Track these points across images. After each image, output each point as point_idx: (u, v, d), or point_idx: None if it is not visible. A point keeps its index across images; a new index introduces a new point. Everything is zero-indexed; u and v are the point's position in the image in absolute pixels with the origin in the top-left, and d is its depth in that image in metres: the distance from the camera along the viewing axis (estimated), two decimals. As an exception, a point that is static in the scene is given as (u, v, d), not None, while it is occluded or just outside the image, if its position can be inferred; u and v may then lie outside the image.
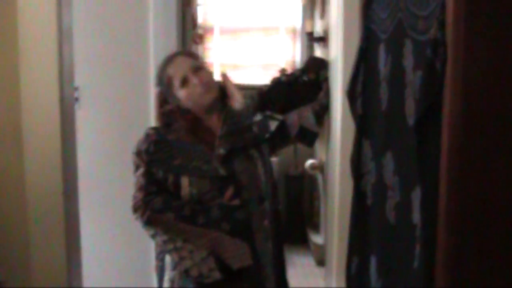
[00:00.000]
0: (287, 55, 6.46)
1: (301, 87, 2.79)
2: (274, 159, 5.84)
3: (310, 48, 5.92)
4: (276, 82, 2.78)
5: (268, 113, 2.55)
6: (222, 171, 2.37)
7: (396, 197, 1.92)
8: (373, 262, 2.22)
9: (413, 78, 1.73)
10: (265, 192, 2.49)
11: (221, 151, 2.39)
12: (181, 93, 2.44)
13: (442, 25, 1.49)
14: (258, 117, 2.53)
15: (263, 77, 6.33)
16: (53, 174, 2.47)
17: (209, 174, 2.37)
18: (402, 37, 1.85)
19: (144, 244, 2.68)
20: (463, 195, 1.49)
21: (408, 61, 1.79)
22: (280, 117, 2.61)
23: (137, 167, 2.43)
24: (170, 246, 2.34)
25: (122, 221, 2.65)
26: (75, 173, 2.66)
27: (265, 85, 2.84)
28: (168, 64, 2.50)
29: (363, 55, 2.33)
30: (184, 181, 2.37)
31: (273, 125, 2.69)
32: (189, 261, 2.33)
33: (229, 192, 2.37)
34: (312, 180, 6.24)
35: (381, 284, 2.12)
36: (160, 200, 2.35)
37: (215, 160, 2.38)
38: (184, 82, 2.43)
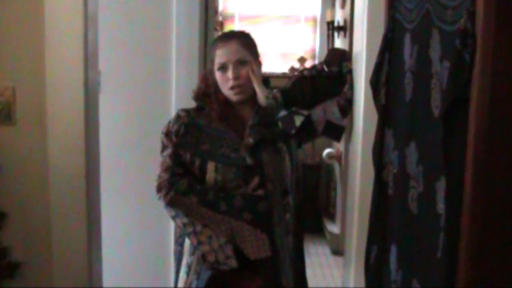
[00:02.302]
0: (307, 44, 6.46)
1: (325, 80, 2.76)
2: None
3: (330, 38, 5.91)
4: (300, 77, 2.75)
5: (293, 109, 2.54)
6: (249, 160, 2.37)
7: (420, 187, 1.93)
8: (393, 251, 2.22)
9: (440, 69, 1.73)
10: (289, 186, 2.49)
11: (250, 140, 2.39)
12: (217, 76, 2.45)
13: (472, 16, 1.49)
14: (282, 113, 2.51)
15: (282, 66, 6.32)
16: (75, 158, 2.49)
17: (235, 162, 2.37)
18: (429, 28, 1.85)
19: (164, 229, 2.70)
20: (488, 186, 1.49)
21: (435, 52, 1.79)
22: (305, 112, 2.59)
23: (164, 147, 2.45)
24: (190, 229, 2.36)
25: (141, 205, 2.68)
26: (97, 157, 2.68)
27: (288, 80, 2.80)
28: (219, 43, 2.49)
29: (388, 44, 2.32)
30: (211, 166, 2.38)
31: (298, 120, 2.66)
32: (207, 246, 2.34)
33: (254, 182, 2.37)
34: (329, 170, 6.24)
35: (401, 273, 2.13)
36: (185, 183, 2.36)
37: (243, 149, 2.38)
38: (223, 67, 2.43)
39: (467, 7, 1.51)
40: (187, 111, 2.48)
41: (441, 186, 1.69)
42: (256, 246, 2.32)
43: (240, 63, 2.42)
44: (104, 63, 3.24)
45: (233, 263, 2.31)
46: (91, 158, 2.59)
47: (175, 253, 2.62)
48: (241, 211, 2.33)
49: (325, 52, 6.09)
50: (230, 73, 2.40)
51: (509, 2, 1.42)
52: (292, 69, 6.29)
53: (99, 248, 2.73)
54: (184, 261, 2.51)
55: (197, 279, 2.40)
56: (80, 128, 2.52)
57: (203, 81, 2.53)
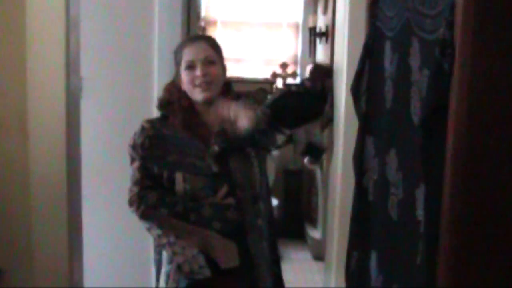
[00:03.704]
0: (289, 50, 6.48)
1: (308, 97, 2.77)
2: (273, 154, 5.86)
3: (312, 44, 5.93)
4: (286, 92, 2.75)
5: (277, 126, 2.55)
6: (215, 168, 2.37)
7: (399, 194, 1.95)
8: (373, 257, 2.24)
9: (420, 77, 1.75)
10: (259, 192, 2.50)
11: (215, 148, 2.39)
12: (183, 75, 2.44)
13: (451, 25, 1.51)
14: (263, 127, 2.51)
15: (264, 71, 6.34)
16: (57, 162, 2.49)
17: (203, 171, 2.37)
18: (409, 36, 1.87)
19: (145, 237, 2.70)
20: (467, 194, 1.51)
21: (415, 60, 1.81)
22: (288, 131, 2.60)
23: (132, 160, 2.45)
24: (164, 240, 2.37)
25: (123, 213, 2.67)
26: (79, 163, 2.68)
27: (274, 93, 2.79)
28: (187, 43, 2.50)
29: (368, 52, 2.34)
30: (179, 177, 2.38)
31: (280, 139, 2.68)
32: (181, 257, 2.36)
33: (222, 191, 2.37)
34: (311, 175, 6.26)
35: (381, 279, 2.15)
36: (154, 196, 2.37)
37: (209, 157, 2.38)
38: (190, 66, 2.43)
39: (446, 17, 1.53)
40: (151, 122, 2.47)
41: (421, 193, 1.71)
42: (225, 255, 2.33)
43: (208, 62, 2.42)
44: (86, 68, 3.23)
45: (206, 272, 2.33)
46: (73, 163, 2.59)
47: (154, 261, 2.63)
48: (210, 220, 2.34)
49: (307, 58, 6.12)
50: (198, 71, 2.39)
51: (487, 12, 1.44)
52: (274, 74, 6.31)
53: (80, 253, 2.73)
54: (163, 270, 2.52)
55: (176, 287, 2.41)
56: (61, 132, 2.52)
57: (166, 90, 2.54)
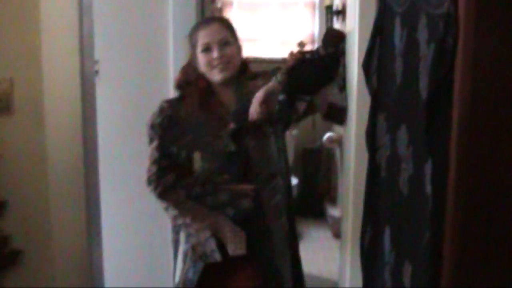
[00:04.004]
0: (306, 29, 6.45)
1: (323, 62, 2.77)
2: (292, 132, 5.86)
3: (329, 22, 5.91)
4: (301, 60, 2.75)
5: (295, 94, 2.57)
6: (232, 147, 2.39)
7: (410, 169, 1.95)
8: (386, 233, 2.25)
9: (427, 52, 1.75)
10: (277, 168, 2.52)
11: (232, 126, 2.42)
12: (200, 57, 2.47)
13: (455, 0, 1.51)
14: (281, 97, 2.53)
15: (281, 51, 6.33)
16: (73, 146, 2.52)
17: (220, 150, 2.40)
18: (417, 11, 1.87)
19: (162, 217, 2.73)
20: (472, 168, 1.52)
21: (423, 35, 1.81)
22: (307, 97, 2.62)
23: (151, 140, 2.48)
24: (180, 221, 2.41)
25: (140, 193, 2.71)
26: (95, 145, 2.71)
27: (288, 63, 2.79)
28: (202, 26, 2.52)
29: (379, 29, 2.34)
30: (197, 156, 2.41)
31: (301, 106, 2.69)
32: (195, 239, 2.39)
33: (247, 187, 2.39)
34: (330, 154, 6.26)
35: (393, 255, 2.16)
36: (172, 177, 2.40)
37: (225, 136, 2.40)
38: (207, 49, 2.45)
39: (450, -9, 1.53)
40: (169, 102, 2.50)
41: (429, 168, 1.71)
42: (234, 243, 2.36)
43: (223, 43, 2.45)
44: (101, 51, 3.26)
45: (217, 256, 2.36)
46: (89, 146, 2.63)
47: (172, 241, 2.66)
48: (225, 206, 2.37)
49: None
50: (215, 52, 2.42)
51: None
52: (292, 54, 6.30)
53: (98, 234, 2.77)
54: (181, 249, 2.55)
55: (194, 266, 2.44)
56: (77, 117, 2.56)
57: (183, 71, 2.56)
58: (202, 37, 2.47)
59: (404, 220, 2.04)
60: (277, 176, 2.51)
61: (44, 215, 2.57)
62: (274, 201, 2.50)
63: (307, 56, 2.78)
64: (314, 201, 6.28)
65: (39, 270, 2.61)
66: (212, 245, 2.36)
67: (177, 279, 2.56)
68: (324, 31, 6.18)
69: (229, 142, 2.40)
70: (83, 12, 2.50)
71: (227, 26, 2.54)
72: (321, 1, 6.28)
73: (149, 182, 2.43)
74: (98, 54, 3.18)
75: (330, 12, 5.81)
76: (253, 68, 2.71)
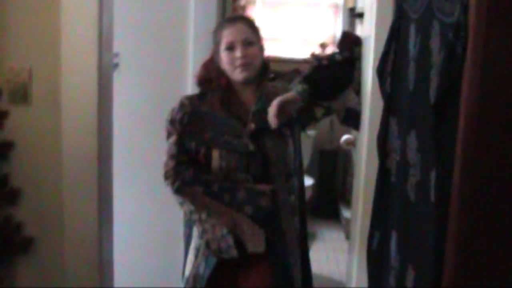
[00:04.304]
0: (328, 30, 6.46)
1: (338, 66, 2.78)
2: (310, 133, 5.87)
3: (351, 24, 5.91)
4: (318, 66, 2.76)
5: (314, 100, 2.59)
6: (251, 147, 2.42)
7: (417, 175, 1.96)
8: (393, 237, 2.26)
9: (438, 59, 1.75)
10: (293, 169, 2.54)
11: (252, 126, 2.44)
12: (223, 56, 2.49)
13: (465, 8, 1.51)
14: (300, 103, 2.55)
15: (303, 51, 6.34)
16: (88, 137, 2.55)
17: (238, 149, 2.42)
18: (431, 18, 1.87)
19: (175, 211, 2.76)
20: (477, 177, 1.52)
21: (435, 43, 1.82)
22: (325, 103, 2.64)
23: (169, 135, 2.51)
24: (195, 216, 2.43)
25: (153, 187, 2.74)
26: (110, 137, 2.74)
27: (308, 67, 2.80)
28: (227, 24, 2.55)
29: (394, 34, 2.34)
30: (215, 154, 2.43)
31: (319, 112, 2.72)
32: (210, 234, 2.41)
33: (266, 187, 2.41)
34: (347, 156, 6.26)
35: (399, 260, 2.17)
36: (190, 172, 2.42)
37: (245, 136, 2.42)
38: (230, 47, 2.47)
39: (462, 0, 1.54)
40: (190, 98, 2.52)
41: (434, 175, 1.72)
42: (252, 240, 2.38)
43: (247, 43, 2.47)
44: (122, 44, 3.30)
45: (234, 252, 2.38)
46: (104, 137, 2.66)
47: (184, 235, 2.69)
48: (243, 204, 2.39)
49: (346, 38, 6.09)
50: (238, 52, 2.44)
51: (501, -4, 1.44)
52: (313, 55, 6.30)
53: (110, 225, 2.80)
54: (193, 244, 2.57)
55: (206, 262, 2.46)
56: (93, 109, 2.59)
57: (204, 68, 2.58)
58: (227, 36, 2.49)
59: (410, 226, 2.05)
60: (293, 176, 2.54)
61: (56, 204, 2.61)
62: (289, 201, 2.52)
63: (324, 62, 2.79)
64: (330, 203, 6.30)
65: (50, 258, 2.65)
66: (229, 241, 2.38)
67: (187, 273, 2.59)
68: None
69: (248, 142, 2.43)
70: (103, 4, 2.53)
71: (252, 26, 2.56)
72: (344, 2, 6.28)
73: (166, 176, 2.46)
74: (118, 47, 3.22)
75: (353, 15, 5.82)
76: (274, 67, 2.74)
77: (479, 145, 1.51)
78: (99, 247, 2.66)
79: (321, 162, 6.36)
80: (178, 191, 2.45)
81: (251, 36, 2.51)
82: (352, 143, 5.80)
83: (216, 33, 2.57)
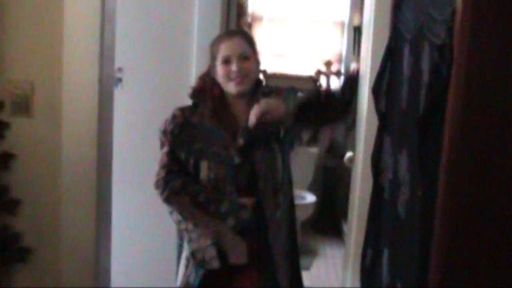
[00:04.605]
0: (334, 48, 6.49)
1: (336, 105, 2.80)
2: (313, 150, 5.89)
3: (357, 42, 5.94)
4: (312, 96, 2.78)
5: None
6: (237, 160, 2.43)
7: (407, 193, 1.99)
8: (385, 255, 2.28)
9: (428, 80, 1.79)
10: (280, 184, 2.55)
11: (241, 141, 2.46)
12: (219, 69, 2.52)
13: (450, 31, 1.54)
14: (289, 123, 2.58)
15: (309, 68, 6.37)
16: (88, 150, 2.59)
17: (226, 161, 2.44)
18: (422, 40, 1.91)
19: (171, 221, 2.78)
20: (461, 193, 1.55)
21: (425, 63, 1.85)
22: (311, 129, 2.68)
23: (162, 145, 2.54)
24: (183, 226, 2.46)
25: (151, 198, 2.76)
26: (110, 150, 2.77)
27: (304, 93, 2.82)
28: (224, 38, 2.57)
29: (390, 54, 2.38)
30: (203, 165, 2.46)
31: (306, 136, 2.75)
32: (195, 244, 2.44)
33: (249, 201, 2.43)
34: (349, 172, 6.27)
35: (389, 277, 2.19)
36: (179, 182, 2.45)
37: (233, 148, 2.44)
38: (226, 61, 2.50)
39: (448, 22, 1.57)
40: (182, 110, 2.54)
41: (421, 193, 1.75)
42: (234, 252, 2.40)
43: (243, 57, 2.49)
44: (126, 59, 3.34)
45: (216, 264, 2.40)
46: (104, 150, 2.69)
47: (177, 246, 2.72)
48: (226, 216, 2.41)
49: (351, 56, 6.12)
50: (234, 66, 2.46)
51: (484, 19, 1.47)
52: (318, 72, 6.34)
53: (108, 237, 2.83)
54: (184, 254, 2.60)
55: (195, 272, 2.48)
56: (93, 121, 2.62)
57: (200, 80, 2.61)
58: (223, 50, 2.52)
59: (399, 243, 2.08)
60: (281, 191, 2.55)
61: (55, 215, 2.64)
62: (277, 215, 2.53)
63: (322, 93, 2.80)
64: (332, 219, 6.30)
65: (47, 268, 2.68)
66: (212, 252, 2.40)
67: (178, 283, 2.61)
68: (351, 51, 6.24)
69: (234, 154, 2.44)
70: (105, 19, 2.57)
71: (248, 40, 2.58)
72: (350, 21, 6.31)
73: (157, 185, 2.49)
74: (122, 62, 3.25)
75: (358, 33, 5.85)
76: (279, 83, 2.76)
77: (462, 162, 1.54)
78: (96, 258, 2.68)
79: (323, 179, 6.36)
80: (167, 200, 2.48)
81: (247, 51, 2.53)
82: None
83: (213, 47, 2.60)
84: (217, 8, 3.48)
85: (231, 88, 2.48)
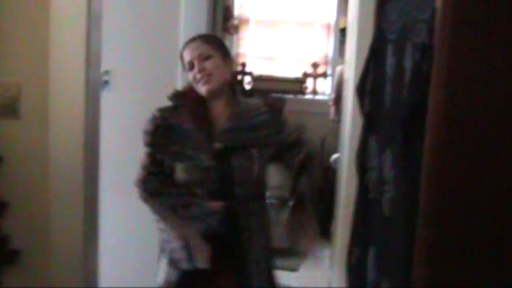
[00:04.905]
0: (320, 50, 6.53)
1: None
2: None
3: (343, 44, 5.99)
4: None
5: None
6: (207, 163, 2.43)
7: (391, 191, 2.01)
8: (371, 253, 2.31)
9: (410, 79, 1.81)
10: (255, 191, 2.56)
11: (218, 145, 2.46)
12: (188, 75, 2.53)
13: (431, 30, 1.57)
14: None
15: (295, 70, 6.41)
16: (75, 152, 2.61)
17: (200, 164, 2.45)
18: (405, 40, 1.93)
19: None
20: (443, 191, 1.57)
21: (408, 63, 1.88)
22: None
23: (144, 145, 2.55)
24: (160, 226, 2.50)
25: (138, 201, 2.78)
26: (97, 152, 2.79)
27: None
28: (185, 46, 2.59)
29: (373, 54, 2.40)
30: (178, 167, 2.47)
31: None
32: (167, 245, 2.48)
33: (218, 205, 2.44)
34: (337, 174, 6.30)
35: (376, 274, 2.21)
36: (155, 184, 2.48)
37: (206, 151, 2.44)
38: (190, 66, 2.51)
39: (428, 22, 1.60)
40: (162, 111, 2.54)
41: (405, 190, 1.78)
42: (199, 256, 2.43)
43: (203, 58, 2.49)
44: (113, 62, 3.35)
45: (184, 265, 2.43)
46: (91, 152, 2.70)
47: (159, 241, 2.73)
48: (195, 220, 2.43)
49: (337, 58, 6.16)
50: (196, 67, 2.47)
51: (464, 18, 1.50)
52: (305, 74, 6.38)
53: (95, 238, 2.85)
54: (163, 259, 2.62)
55: (176, 270, 2.51)
56: (80, 123, 2.64)
57: (185, 86, 2.63)
58: (186, 56, 2.53)
59: (385, 240, 2.10)
60: (254, 197, 2.56)
61: (43, 217, 2.65)
62: (249, 222, 2.54)
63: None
64: (320, 221, 6.31)
65: (36, 270, 2.69)
66: (181, 253, 2.43)
67: (159, 280, 2.63)
68: (337, 53, 6.28)
69: (208, 158, 2.44)
70: (92, 22, 2.59)
71: (208, 41, 2.57)
72: (336, 23, 6.35)
73: (137, 185, 2.52)
74: (109, 65, 3.27)
75: (344, 35, 5.89)
76: (267, 85, 2.76)
77: (444, 160, 1.56)
78: (84, 259, 2.70)
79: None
80: (145, 200, 2.52)
81: (208, 50, 2.52)
82: (342, 161, 5.85)
83: (180, 58, 2.61)
84: (203, 10, 3.50)
85: (200, 89, 2.49)
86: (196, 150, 2.44)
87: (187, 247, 2.43)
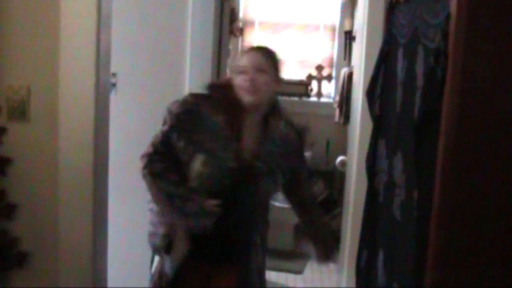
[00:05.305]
0: (325, 52, 6.53)
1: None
2: (306, 154, 5.91)
3: (348, 47, 5.98)
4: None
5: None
6: (233, 164, 2.42)
7: (402, 195, 2.01)
8: (380, 256, 2.31)
9: (422, 83, 1.82)
10: (264, 209, 2.58)
11: (246, 156, 2.45)
12: (237, 80, 2.51)
13: (445, 35, 1.58)
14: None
15: (300, 73, 6.41)
16: (85, 154, 2.60)
17: (225, 164, 2.43)
18: (416, 44, 1.94)
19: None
20: (456, 195, 1.58)
21: (420, 67, 1.88)
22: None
23: (164, 123, 2.53)
24: (150, 206, 2.51)
25: (146, 203, 2.78)
26: (106, 155, 2.79)
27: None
28: (246, 52, 2.61)
29: (384, 58, 2.41)
30: (199, 158, 2.44)
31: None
32: (153, 228, 2.49)
33: (213, 202, 2.43)
34: (342, 176, 6.30)
35: (385, 278, 2.22)
36: (158, 164, 2.46)
37: (234, 155, 2.42)
38: (242, 72, 2.50)
39: (442, 27, 1.60)
40: (195, 96, 2.52)
41: (416, 194, 1.78)
42: (177, 251, 2.44)
43: (258, 70, 2.48)
44: (120, 65, 3.35)
45: (162, 254, 2.46)
46: (100, 155, 2.70)
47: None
48: (188, 215, 2.42)
49: (342, 60, 6.16)
50: (246, 76, 2.44)
51: (479, 23, 1.51)
52: (310, 76, 6.38)
53: (104, 241, 2.84)
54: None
55: (171, 262, 2.51)
56: (90, 126, 2.63)
57: (223, 79, 2.64)
58: (242, 61, 2.53)
59: (395, 244, 2.10)
60: (263, 213, 2.58)
61: (52, 219, 2.65)
62: (252, 237, 2.55)
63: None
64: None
65: (45, 273, 2.68)
66: (162, 242, 2.45)
67: (153, 270, 2.64)
68: (342, 55, 6.27)
69: (236, 162, 2.43)
70: (102, 24, 2.58)
71: (268, 56, 2.56)
72: (341, 25, 6.35)
73: (141, 159, 2.51)
74: (116, 67, 3.27)
75: (349, 37, 5.89)
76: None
77: (457, 165, 1.57)
78: (93, 262, 2.69)
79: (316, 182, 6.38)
80: (144, 177, 2.50)
81: (264, 65, 2.51)
82: (346, 164, 5.86)
83: (236, 61, 2.64)
84: (211, 13, 3.50)
85: (243, 96, 2.47)
86: (222, 148, 2.43)
87: (168, 237, 2.44)
